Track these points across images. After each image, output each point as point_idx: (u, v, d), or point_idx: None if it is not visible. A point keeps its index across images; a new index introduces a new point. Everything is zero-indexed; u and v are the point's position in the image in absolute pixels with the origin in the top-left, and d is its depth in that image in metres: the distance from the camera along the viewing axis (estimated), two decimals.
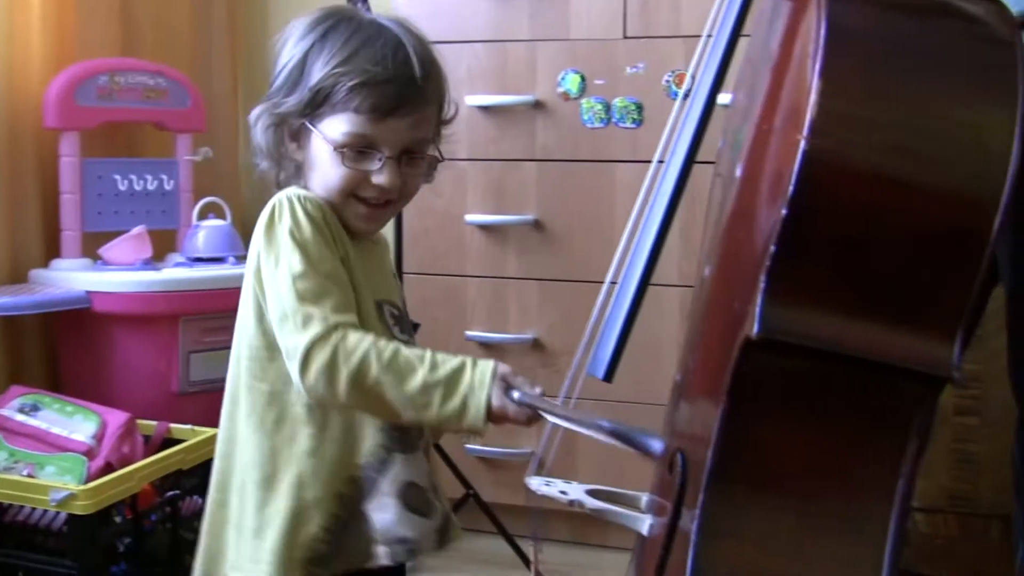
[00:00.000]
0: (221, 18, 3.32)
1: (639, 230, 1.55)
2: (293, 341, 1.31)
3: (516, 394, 1.29)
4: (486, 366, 1.30)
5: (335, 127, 1.37)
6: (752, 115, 1.22)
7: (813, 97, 0.95)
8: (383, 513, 1.39)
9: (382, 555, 1.38)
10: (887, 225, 0.99)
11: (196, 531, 2.41)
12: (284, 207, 1.36)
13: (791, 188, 0.95)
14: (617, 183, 2.56)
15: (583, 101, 2.55)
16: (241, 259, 2.85)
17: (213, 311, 2.70)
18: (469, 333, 2.69)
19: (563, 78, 2.57)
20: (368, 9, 1.94)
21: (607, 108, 2.54)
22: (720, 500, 1.04)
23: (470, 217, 2.64)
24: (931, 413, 1.03)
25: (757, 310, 0.97)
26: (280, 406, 1.39)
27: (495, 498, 2.58)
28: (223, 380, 2.70)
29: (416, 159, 1.41)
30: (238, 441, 1.44)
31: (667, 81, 2.49)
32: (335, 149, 1.37)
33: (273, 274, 1.35)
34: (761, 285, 0.97)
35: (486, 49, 2.63)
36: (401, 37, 1.38)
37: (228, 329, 2.77)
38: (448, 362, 1.30)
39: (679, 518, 1.11)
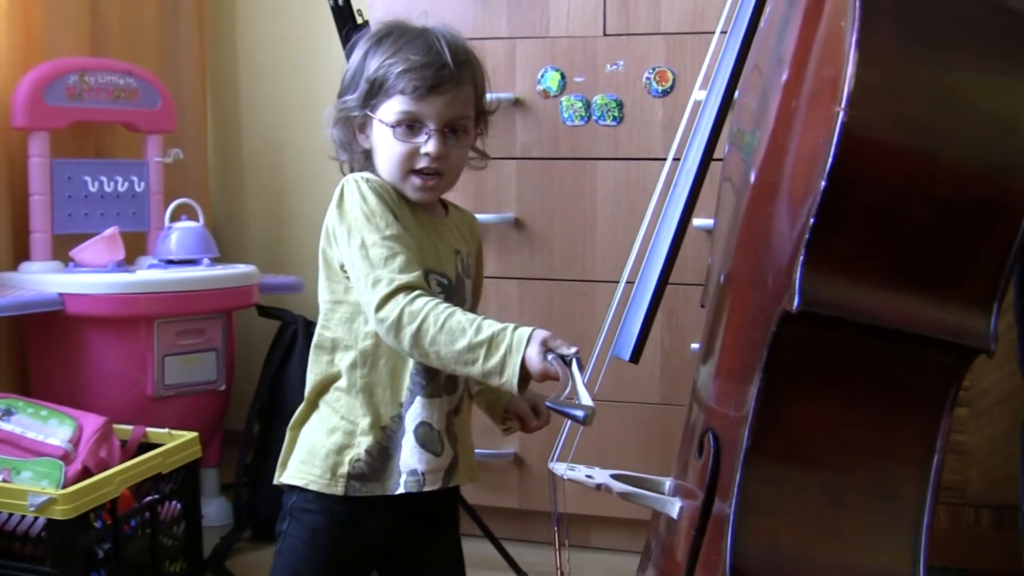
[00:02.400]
0: (190, 18, 3.27)
1: (659, 220, 1.53)
2: (367, 299, 1.56)
3: (550, 356, 1.46)
4: (524, 332, 1.49)
5: (389, 109, 1.63)
6: (768, 109, 1.21)
7: (850, 69, 0.94)
8: (405, 446, 1.63)
9: (400, 483, 1.63)
10: (922, 195, 0.98)
11: (175, 537, 2.40)
12: (352, 186, 1.62)
13: (830, 159, 0.94)
14: (598, 181, 2.55)
15: (563, 99, 2.54)
16: (218, 261, 2.82)
17: (188, 313, 2.67)
18: None
19: (543, 76, 2.55)
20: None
21: (587, 106, 2.53)
22: (757, 476, 1.03)
23: None
24: (959, 387, 1.02)
25: (796, 283, 0.96)
26: (340, 351, 1.66)
27: (477, 500, 2.56)
28: (199, 384, 2.71)
29: (459, 133, 1.66)
30: (319, 380, 1.69)
31: (647, 78, 2.48)
32: (390, 126, 1.63)
33: (347, 244, 1.59)
34: (800, 258, 0.96)
35: None
36: (437, 34, 1.65)
37: (204, 331, 2.77)
38: (492, 326, 1.51)
39: (713, 498, 1.09)
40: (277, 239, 3.46)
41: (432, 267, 1.67)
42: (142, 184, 2.85)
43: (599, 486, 1.38)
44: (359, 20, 2.45)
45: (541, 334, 1.49)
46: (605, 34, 2.51)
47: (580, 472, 1.44)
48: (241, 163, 3.49)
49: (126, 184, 2.82)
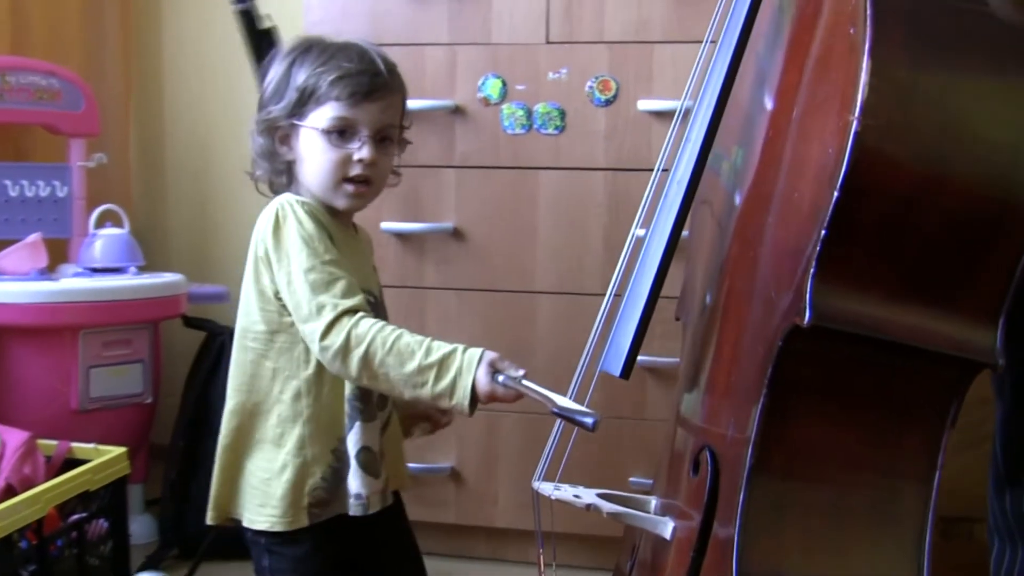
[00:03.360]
0: (114, 17, 3.18)
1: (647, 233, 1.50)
2: (311, 328, 1.55)
3: (501, 377, 1.49)
4: (474, 353, 1.52)
5: (321, 116, 1.64)
6: (756, 124, 1.18)
7: (863, 77, 0.91)
8: (351, 471, 1.64)
9: (349, 507, 1.65)
10: (931, 207, 0.96)
11: (102, 556, 2.30)
12: (287, 210, 1.61)
13: (843, 170, 0.91)
14: (539, 190, 2.51)
15: (504, 107, 2.50)
16: (142, 269, 2.72)
17: (114, 324, 2.58)
18: None
19: (483, 83, 2.51)
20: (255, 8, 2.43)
21: (528, 114, 2.49)
22: (760, 495, 1.01)
23: (386, 225, 2.55)
24: (961, 403, 1.00)
25: (807, 296, 0.93)
26: (284, 381, 1.64)
27: (412, 515, 2.49)
28: (126, 396, 2.62)
29: (388, 143, 1.69)
30: (250, 411, 1.68)
31: (590, 87, 2.45)
32: (323, 132, 1.63)
33: (284, 270, 1.59)
34: (811, 271, 0.93)
35: (403, 52, 2.50)
36: (365, 45, 1.69)
37: (130, 342, 2.67)
38: (442, 348, 1.52)
39: (712, 518, 1.06)
40: (201, 247, 3.36)
41: (363, 286, 1.66)
42: (64, 189, 2.75)
43: (589, 506, 1.34)
44: (265, 25, 2.38)
45: (490, 355, 1.52)
46: (548, 42, 2.47)
47: (567, 492, 1.41)
48: (164, 168, 3.38)
49: (48, 189, 2.72)
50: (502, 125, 2.50)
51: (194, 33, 3.31)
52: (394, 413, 1.75)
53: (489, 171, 2.53)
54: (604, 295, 2.43)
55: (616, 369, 1.47)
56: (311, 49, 1.68)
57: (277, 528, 1.64)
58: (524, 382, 1.50)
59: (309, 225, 1.59)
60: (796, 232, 0.99)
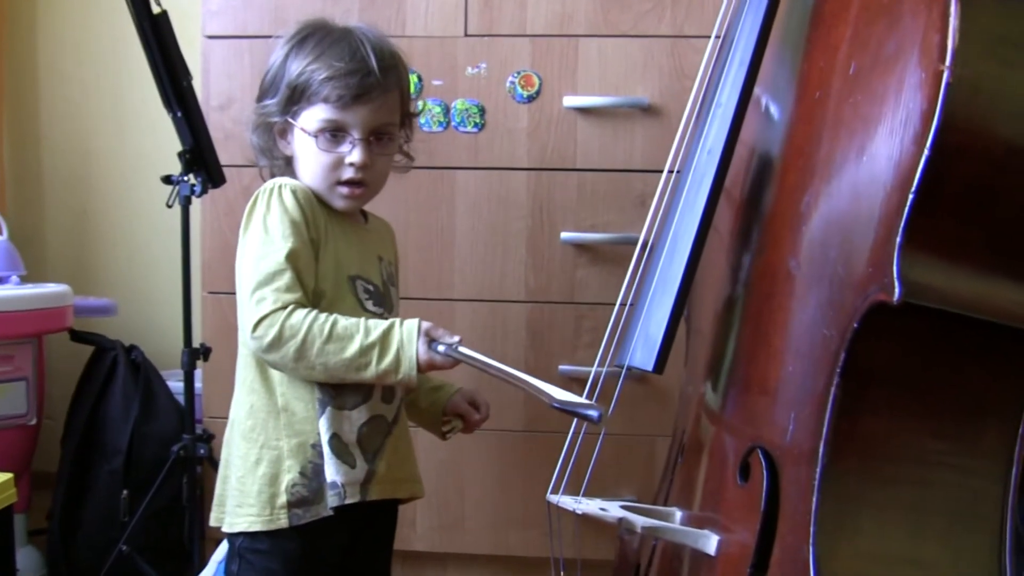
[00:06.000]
0: None
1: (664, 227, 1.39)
2: (248, 317, 1.54)
3: (441, 347, 1.53)
4: (412, 324, 1.54)
5: (311, 117, 1.62)
6: (786, 90, 1.06)
7: (953, 23, 0.81)
8: (326, 459, 1.59)
9: (327, 499, 1.58)
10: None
11: None
12: (264, 195, 1.60)
13: (935, 124, 0.81)
14: (457, 190, 2.37)
15: (420, 103, 2.36)
16: (24, 279, 2.51)
17: None
18: None
19: None
20: None
21: (446, 111, 2.36)
22: (835, 499, 0.89)
23: None
24: None
25: (895, 270, 0.82)
26: (259, 370, 1.62)
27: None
28: (7, 417, 2.40)
29: (384, 140, 1.66)
30: (234, 402, 1.66)
31: (511, 83, 2.33)
32: (312, 135, 1.61)
33: (242, 253, 1.59)
34: (897, 240, 0.83)
35: None
36: (361, 37, 1.63)
37: (12, 358, 2.45)
38: (379, 326, 1.54)
39: (773, 528, 0.94)
40: (80, 257, 3.14)
41: (357, 273, 1.66)
42: None
43: (620, 520, 1.21)
44: (155, 9, 2.19)
45: (426, 325, 1.55)
46: (466, 35, 2.35)
47: (592, 505, 1.28)
48: (40, 174, 3.15)
49: None
50: (418, 122, 2.36)
51: (73, 29, 3.09)
52: (403, 412, 1.72)
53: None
54: (526, 302, 2.35)
55: (648, 363, 1.35)
56: (307, 40, 1.65)
57: (256, 527, 1.59)
58: (460, 349, 1.53)
59: (277, 212, 1.56)
60: (869, 199, 0.89)
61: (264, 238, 1.55)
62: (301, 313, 1.52)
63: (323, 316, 1.53)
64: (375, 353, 1.51)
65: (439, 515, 2.41)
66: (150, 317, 3.02)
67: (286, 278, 1.53)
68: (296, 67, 1.62)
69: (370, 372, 1.52)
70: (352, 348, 1.51)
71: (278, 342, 1.51)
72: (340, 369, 1.52)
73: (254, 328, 1.53)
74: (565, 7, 2.31)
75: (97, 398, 2.54)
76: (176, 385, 2.47)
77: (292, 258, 1.55)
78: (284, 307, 1.52)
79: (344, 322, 1.53)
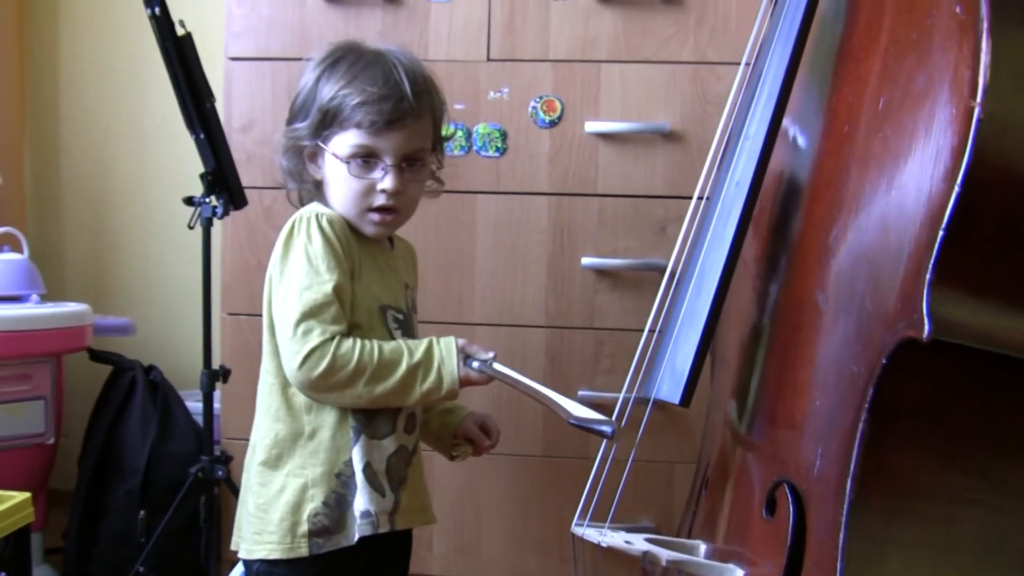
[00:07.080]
0: (8, 30, 2.97)
1: (701, 258, 1.39)
2: (293, 347, 1.52)
3: (475, 363, 1.58)
4: (449, 340, 1.58)
5: (343, 142, 1.59)
6: (813, 122, 1.06)
7: (984, 59, 0.81)
8: (358, 488, 1.57)
9: (356, 529, 1.57)
10: None
11: None
12: (303, 224, 1.57)
13: (966, 159, 0.80)
14: (478, 214, 2.37)
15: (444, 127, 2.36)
16: (44, 298, 2.51)
17: (14, 357, 2.38)
18: None
19: None
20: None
21: (468, 135, 2.36)
22: (862, 536, 0.88)
23: None
24: None
25: (925, 307, 0.82)
26: (283, 398, 1.60)
27: None
28: (25, 436, 2.40)
29: (416, 166, 1.64)
30: (255, 428, 1.65)
31: (534, 107, 2.33)
32: (344, 160, 1.59)
33: (284, 284, 1.56)
34: (927, 277, 0.82)
35: None
36: (395, 61, 1.62)
37: (31, 377, 2.45)
38: (419, 345, 1.57)
39: (800, 565, 0.93)
40: (99, 276, 3.15)
41: (388, 302, 1.65)
42: None
43: (645, 553, 1.20)
44: (180, 32, 2.20)
45: (461, 341, 1.59)
46: (489, 59, 2.35)
47: (617, 538, 1.27)
48: (61, 194, 3.16)
49: None
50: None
51: (93, 46, 3.12)
52: (420, 443, 1.71)
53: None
54: (546, 327, 2.34)
55: (675, 397, 1.35)
56: (340, 62, 1.62)
57: (275, 555, 1.57)
58: (495, 365, 1.57)
59: (319, 242, 1.55)
60: (898, 234, 0.89)
61: (308, 269, 1.54)
62: (349, 342, 1.52)
63: (368, 343, 1.53)
64: (420, 372, 1.53)
65: (455, 539, 2.40)
66: (169, 337, 3.03)
67: (332, 310, 1.52)
68: (328, 91, 1.60)
69: (416, 392, 1.54)
70: (400, 371, 1.52)
71: (330, 373, 1.51)
72: (388, 394, 1.54)
73: (304, 360, 1.51)
74: (588, 32, 2.31)
75: (115, 417, 2.55)
76: (194, 406, 2.48)
77: (338, 291, 1.54)
78: (332, 338, 1.51)
79: (387, 347, 1.54)
